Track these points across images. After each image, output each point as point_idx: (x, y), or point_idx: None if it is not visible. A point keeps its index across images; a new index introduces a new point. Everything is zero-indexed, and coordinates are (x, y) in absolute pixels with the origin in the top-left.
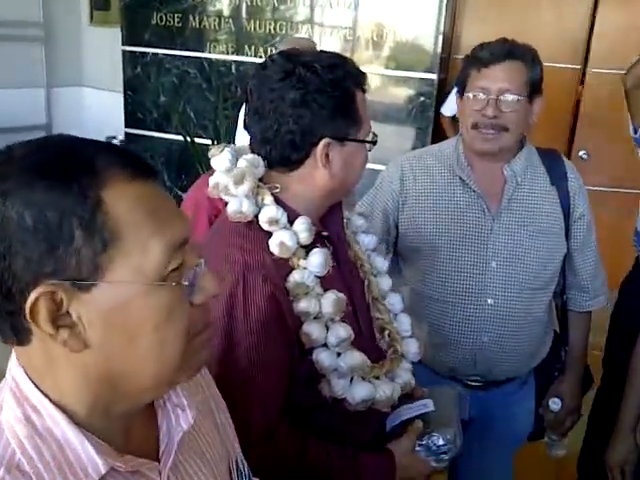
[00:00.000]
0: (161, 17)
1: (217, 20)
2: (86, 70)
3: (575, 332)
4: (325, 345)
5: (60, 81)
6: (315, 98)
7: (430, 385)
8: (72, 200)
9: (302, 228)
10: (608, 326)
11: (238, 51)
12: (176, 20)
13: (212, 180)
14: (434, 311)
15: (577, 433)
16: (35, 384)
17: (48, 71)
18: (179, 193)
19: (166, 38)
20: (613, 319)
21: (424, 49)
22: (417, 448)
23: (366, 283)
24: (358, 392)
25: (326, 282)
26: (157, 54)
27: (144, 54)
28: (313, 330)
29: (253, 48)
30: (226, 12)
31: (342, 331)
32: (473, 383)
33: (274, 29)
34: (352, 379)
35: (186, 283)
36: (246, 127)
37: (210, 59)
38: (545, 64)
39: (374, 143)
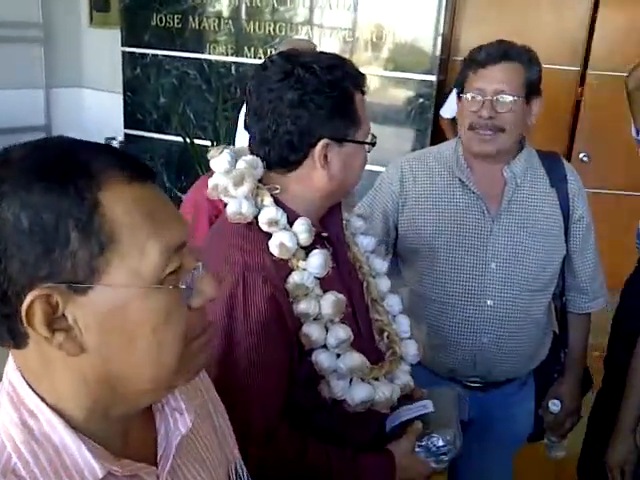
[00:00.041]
0: (161, 18)
1: (217, 21)
2: (86, 71)
3: (574, 334)
4: (324, 346)
5: (59, 82)
6: (313, 99)
7: (429, 386)
8: (69, 202)
9: (302, 229)
10: (610, 328)
11: (238, 52)
12: (176, 21)
13: (211, 181)
14: (434, 312)
15: (576, 434)
16: (32, 387)
17: (47, 72)
18: (178, 194)
19: (166, 39)
20: (615, 321)
21: (423, 51)
22: (417, 449)
23: (365, 284)
24: (357, 393)
25: (326, 283)
26: (157, 55)
27: (144, 55)
28: (313, 331)
29: (252, 49)
30: (226, 13)
31: (342, 332)
32: (473, 384)
33: (273, 30)
34: (351, 380)
35: (184, 286)
36: (247, 127)
37: (210, 60)
38: (544, 66)
39: (373, 144)
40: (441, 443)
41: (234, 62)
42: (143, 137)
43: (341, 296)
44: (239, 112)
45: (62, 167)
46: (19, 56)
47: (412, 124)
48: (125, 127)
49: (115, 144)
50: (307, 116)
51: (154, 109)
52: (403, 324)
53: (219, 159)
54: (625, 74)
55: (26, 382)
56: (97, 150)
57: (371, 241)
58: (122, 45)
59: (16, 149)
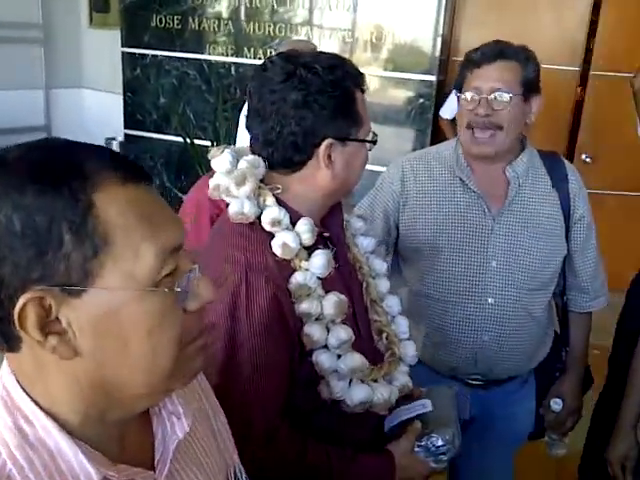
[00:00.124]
0: (160, 19)
1: (216, 22)
2: (86, 72)
3: (576, 333)
4: (325, 347)
5: (59, 82)
6: (317, 99)
7: (430, 384)
8: (63, 204)
9: (305, 229)
10: (615, 327)
11: (237, 53)
12: (175, 22)
13: (213, 181)
14: (435, 311)
15: (577, 432)
16: (26, 392)
17: (47, 73)
18: (178, 194)
19: (165, 40)
20: (620, 320)
21: (423, 51)
22: (416, 449)
23: (364, 285)
24: (356, 394)
25: (327, 284)
26: (157, 56)
27: (144, 56)
28: (314, 332)
29: (252, 50)
30: (225, 14)
31: (343, 333)
32: (474, 382)
33: (273, 31)
34: (351, 381)
35: (179, 289)
36: (248, 128)
37: (209, 61)
38: (544, 66)
39: (374, 143)
40: (440, 443)
41: (234, 63)
42: (143, 137)
43: (343, 297)
44: (239, 112)
45: (56, 168)
46: (19, 57)
47: (412, 124)
48: (125, 127)
49: (115, 144)
50: (311, 116)
51: (154, 109)
52: (402, 325)
53: (220, 159)
54: (628, 74)
55: (20, 386)
56: (91, 151)
57: (371, 242)
58: (122, 46)
59: (9, 150)
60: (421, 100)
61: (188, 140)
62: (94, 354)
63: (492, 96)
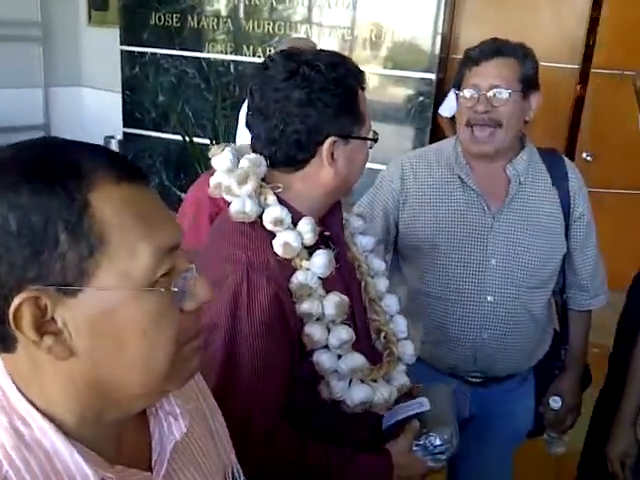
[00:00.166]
0: (159, 17)
1: (215, 20)
2: (84, 70)
3: (575, 331)
4: (326, 347)
5: (58, 81)
6: (320, 97)
7: (429, 382)
8: (58, 203)
9: (307, 229)
10: (616, 325)
11: (236, 51)
12: (174, 20)
13: (213, 180)
14: (434, 309)
15: (576, 431)
16: (22, 392)
17: (46, 71)
18: (178, 192)
19: (164, 38)
20: (621, 319)
21: (422, 49)
22: (414, 448)
23: (363, 284)
24: (356, 394)
25: (328, 283)
26: (155, 54)
27: (142, 54)
28: (315, 332)
29: (251, 48)
30: (224, 12)
31: (344, 333)
32: (473, 380)
33: (272, 29)
34: (351, 381)
35: (176, 289)
36: (248, 126)
37: (208, 59)
38: (543, 64)
39: (375, 141)
40: (438, 442)
41: (233, 61)
42: (142, 136)
43: (344, 297)
44: (238, 110)
45: (51, 168)
46: (18, 55)
47: (412, 122)
48: (124, 126)
49: (114, 143)
50: (315, 114)
51: (153, 108)
52: (400, 324)
53: (221, 157)
54: (628, 72)
55: (16, 387)
56: (87, 150)
57: (370, 241)
58: (121, 44)
59: (5, 150)
60: (421, 98)
61: (187, 138)
62: (90, 354)
63: (491, 93)
